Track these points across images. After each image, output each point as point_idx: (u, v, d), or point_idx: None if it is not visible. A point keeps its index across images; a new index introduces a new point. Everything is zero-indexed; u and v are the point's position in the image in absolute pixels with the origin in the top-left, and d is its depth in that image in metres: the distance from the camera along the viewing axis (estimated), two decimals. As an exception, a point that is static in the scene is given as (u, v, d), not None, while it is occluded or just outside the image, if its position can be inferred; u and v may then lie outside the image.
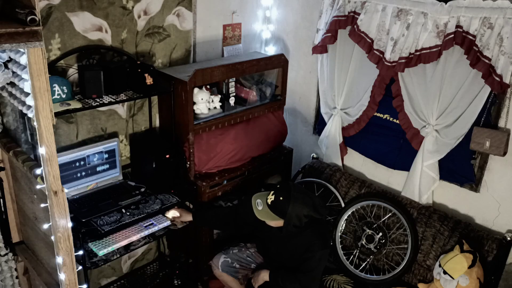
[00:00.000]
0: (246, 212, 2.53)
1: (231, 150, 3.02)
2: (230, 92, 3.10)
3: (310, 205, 2.33)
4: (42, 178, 1.83)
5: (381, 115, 3.13)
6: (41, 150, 1.65)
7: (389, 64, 2.76)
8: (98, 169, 2.65)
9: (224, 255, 2.75)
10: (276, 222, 2.38)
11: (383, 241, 2.93)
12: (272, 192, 2.38)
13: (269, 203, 2.35)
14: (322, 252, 2.43)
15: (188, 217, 2.68)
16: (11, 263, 2.57)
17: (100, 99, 2.40)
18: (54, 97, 2.24)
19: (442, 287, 2.59)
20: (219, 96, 3.03)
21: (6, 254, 2.54)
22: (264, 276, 2.55)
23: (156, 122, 3.01)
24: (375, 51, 2.83)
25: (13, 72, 1.87)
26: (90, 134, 2.70)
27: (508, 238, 2.60)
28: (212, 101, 2.98)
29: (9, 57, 1.83)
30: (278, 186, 2.42)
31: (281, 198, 2.31)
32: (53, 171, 1.68)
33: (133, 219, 2.50)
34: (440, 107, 2.73)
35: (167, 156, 2.70)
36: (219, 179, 2.95)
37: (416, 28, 2.62)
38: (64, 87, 2.30)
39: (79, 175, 2.57)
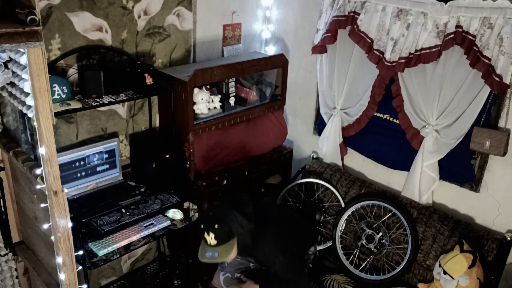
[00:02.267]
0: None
1: (231, 150, 3.02)
2: (230, 92, 3.10)
3: (232, 208, 2.25)
4: (42, 178, 1.83)
5: (381, 115, 3.13)
6: (41, 150, 1.65)
7: (389, 64, 2.76)
8: (98, 169, 2.65)
9: (222, 272, 2.70)
10: (233, 253, 2.27)
11: (383, 241, 2.93)
12: (205, 234, 2.22)
13: (216, 242, 2.20)
14: (285, 258, 2.36)
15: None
16: (11, 263, 2.57)
17: (100, 99, 2.40)
18: (54, 97, 2.25)
19: (442, 287, 2.59)
20: (219, 96, 3.03)
21: (6, 254, 2.54)
22: None
23: (156, 122, 3.02)
24: (375, 51, 2.83)
25: (13, 72, 1.87)
26: (90, 134, 2.70)
27: (508, 238, 2.60)
28: (212, 101, 2.98)
29: (9, 57, 1.83)
30: (202, 227, 2.26)
31: (217, 227, 2.19)
32: (53, 171, 1.68)
33: (133, 219, 2.50)
34: (440, 107, 2.73)
35: (167, 156, 2.70)
36: (219, 179, 2.95)
37: (416, 28, 2.62)
38: (64, 87, 2.30)
39: (79, 175, 2.57)
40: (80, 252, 2.24)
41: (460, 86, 2.62)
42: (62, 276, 1.89)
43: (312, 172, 3.33)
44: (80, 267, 2.26)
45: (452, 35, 2.50)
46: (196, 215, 2.82)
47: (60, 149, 2.49)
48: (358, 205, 3.04)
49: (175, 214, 2.70)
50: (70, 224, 1.82)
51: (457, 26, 2.48)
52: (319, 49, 3.14)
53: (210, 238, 2.20)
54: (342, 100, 3.21)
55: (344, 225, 3.08)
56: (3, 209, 2.48)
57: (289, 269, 2.40)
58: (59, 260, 1.86)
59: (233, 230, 2.21)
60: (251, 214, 2.29)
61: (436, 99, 2.73)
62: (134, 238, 2.48)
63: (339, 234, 3.07)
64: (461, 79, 2.61)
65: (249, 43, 3.52)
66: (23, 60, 1.66)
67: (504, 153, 2.55)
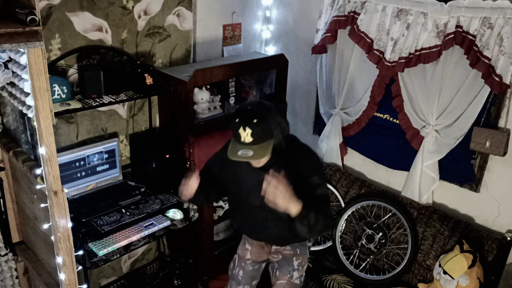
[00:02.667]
0: (212, 174, 2.22)
1: (231, 150, 3.02)
2: (230, 92, 3.10)
3: (272, 106, 1.96)
4: (42, 178, 1.83)
5: (381, 115, 3.13)
6: (41, 150, 1.65)
7: (389, 64, 2.76)
8: (98, 169, 2.65)
9: (238, 286, 2.45)
10: (266, 157, 1.94)
11: (383, 241, 2.93)
12: (241, 129, 1.87)
13: (252, 139, 1.86)
14: (323, 174, 2.09)
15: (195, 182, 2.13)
16: (11, 263, 2.57)
17: (100, 99, 2.40)
18: (54, 97, 2.25)
19: (442, 287, 2.59)
20: (219, 96, 3.03)
21: (6, 254, 2.54)
22: (293, 207, 1.81)
23: (156, 122, 3.01)
24: (375, 51, 2.83)
25: (13, 72, 1.87)
26: (90, 134, 2.70)
27: (508, 238, 2.60)
28: (212, 101, 2.98)
29: (9, 57, 1.83)
30: (237, 121, 1.89)
31: (256, 122, 1.86)
32: (53, 171, 1.68)
33: (133, 219, 2.50)
34: (440, 107, 2.73)
35: (167, 156, 2.70)
36: (219, 179, 2.95)
37: (416, 28, 2.62)
38: (64, 87, 2.30)
39: (79, 175, 2.57)
40: (80, 252, 2.24)
41: (460, 86, 2.62)
42: (62, 276, 1.89)
43: (312, 172, 3.33)
44: (80, 267, 2.26)
45: (452, 35, 2.50)
46: (196, 215, 2.82)
47: (60, 149, 2.49)
48: (358, 205, 3.04)
49: (175, 214, 2.70)
50: (70, 224, 1.82)
51: (457, 26, 2.48)
52: (319, 49, 3.14)
53: (246, 134, 1.88)
54: (342, 100, 3.21)
55: (344, 225, 3.08)
56: (3, 209, 2.48)
57: (324, 186, 2.06)
58: (59, 260, 1.86)
59: (272, 130, 1.91)
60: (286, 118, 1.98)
61: (436, 99, 2.73)
62: (134, 238, 2.48)
63: (339, 234, 3.08)
64: (461, 79, 2.61)
65: (249, 43, 3.52)
66: (23, 60, 1.66)
67: (504, 153, 2.55)
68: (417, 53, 2.65)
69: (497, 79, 2.39)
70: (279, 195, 1.77)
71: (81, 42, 2.50)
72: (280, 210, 1.82)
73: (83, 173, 2.58)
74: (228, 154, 1.92)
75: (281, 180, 1.79)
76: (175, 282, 3.12)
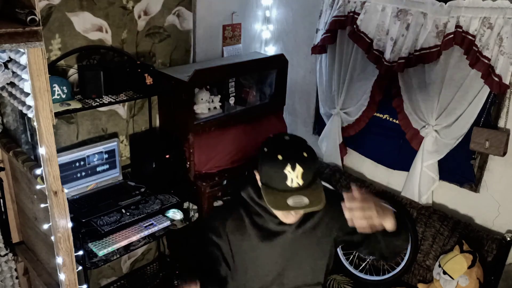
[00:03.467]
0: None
1: (231, 150, 3.02)
2: (230, 92, 3.10)
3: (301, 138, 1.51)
4: (42, 178, 1.83)
5: (381, 115, 3.13)
6: (41, 150, 1.65)
7: (389, 64, 2.76)
8: (98, 169, 2.65)
9: None
10: (323, 202, 1.39)
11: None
12: (287, 168, 1.35)
13: (303, 182, 1.36)
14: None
15: None
16: (11, 263, 2.57)
17: (100, 99, 2.41)
18: (54, 97, 2.25)
19: (442, 287, 2.59)
20: (219, 96, 3.03)
21: (6, 254, 2.54)
22: (390, 219, 1.42)
23: (156, 122, 3.02)
24: (375, 51, 2.83)
25: (13, 72, 1.87)
26: (90, 134, 2.70)
27: (508, 238, 2.60)
28: (212, 101, 2.98)
29: (9, 57, 1.83)
30: (281, 158, 1.36)
31: (307, 156, 1.39)
32: (53, 171, 1.68)
33: (133, 219, 2.50)
34: (440, 107, 2.73)
35: (167, 156, 2.70)
36: (219, 179, 2.95)
37: (415, 28, 2.62)
38: (64, 87, 2.31)
39: (79, 175, 2.57)
40: (80, 252, 2.24)
41: (460, 86, 2.62)
42: (62, 276, 1.89)
43: (312, 172, 3.33)
44: (80, 267, 2.26)
45: (452, 35, 2.50)
46: (196, 215, 2.83)
47: (60, 149, 2.49)
48: (358, 205, 3.03)
49: (175, 214, 2.70)
50: (70, 224, 1.81)
51: (457, 26, 2.48)
52: (319, 49, 3.14)
53: (296, 176, 1.36)
54: (342, 100, 3.21)
55: (344, 225, 3.08)
56: (3, 209, 2.48)
57: None
58: (59, 260, 1.86)
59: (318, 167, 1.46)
60: None
61: (435, 99, 2.72)
62: (134, 238, 2.48)
63: (339, 234, 3.07)
64: (461, 79, 2.61)
65: (249, 43, 3.52)
66: (23, 60, 1.66)
67: (504, 153, 2.55)
68: (417, 53, 2.65)
69: (496, 79, 2.40)
70: (371, 212, 1.34)
71: (81, 42, 2.50)
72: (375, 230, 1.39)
73: (83, 173, 2.59)
74: (272, 207, 1.39)
75: (362, 194, 1.36)
76: (175, 282, 3.12)
